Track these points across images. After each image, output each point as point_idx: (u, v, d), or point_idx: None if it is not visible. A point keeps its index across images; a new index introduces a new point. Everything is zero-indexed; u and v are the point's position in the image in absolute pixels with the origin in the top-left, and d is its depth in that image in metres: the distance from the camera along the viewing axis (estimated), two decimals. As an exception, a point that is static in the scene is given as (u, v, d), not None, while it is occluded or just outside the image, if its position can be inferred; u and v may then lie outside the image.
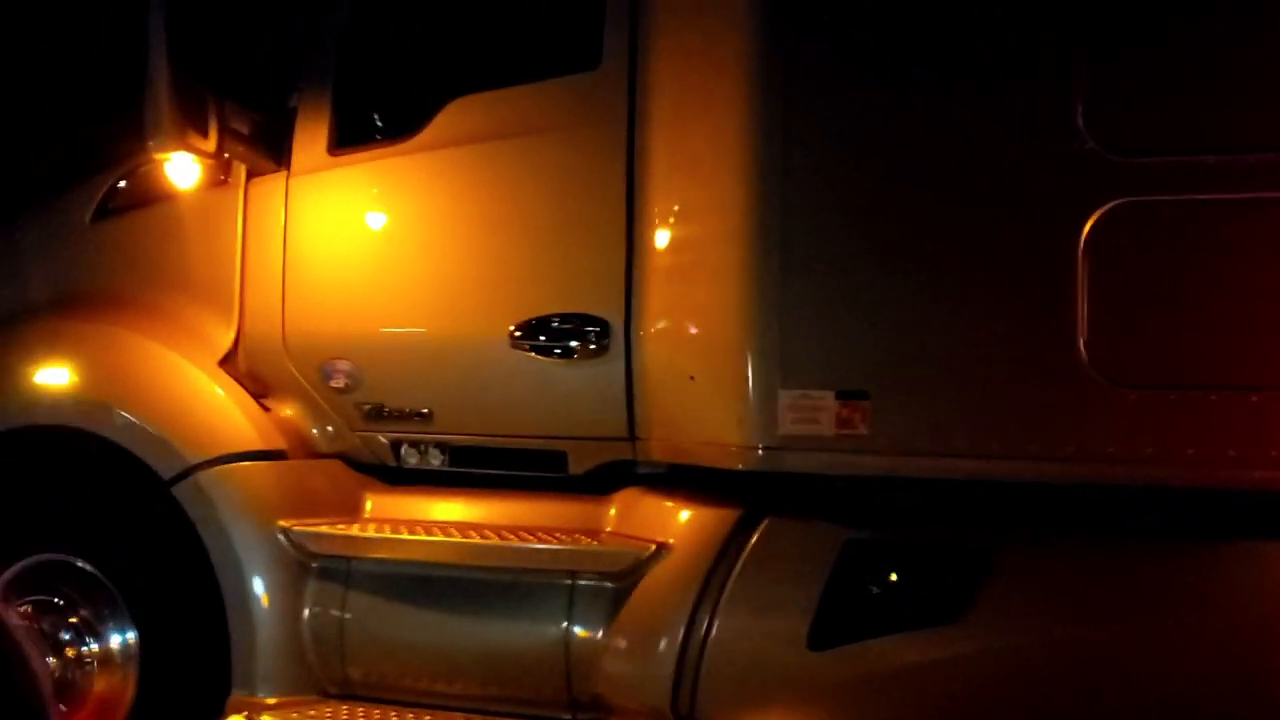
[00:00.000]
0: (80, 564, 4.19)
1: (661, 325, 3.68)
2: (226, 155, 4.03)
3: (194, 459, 4.04)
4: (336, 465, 4.21)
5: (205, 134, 3.88)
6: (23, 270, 4.77)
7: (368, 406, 4.15)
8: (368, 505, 4.13)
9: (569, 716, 3.68)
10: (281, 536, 3.94)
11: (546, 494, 4.01)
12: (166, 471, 4.05)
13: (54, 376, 4.21)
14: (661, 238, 3.68)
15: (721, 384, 3.52)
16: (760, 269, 3.43)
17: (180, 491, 4.03)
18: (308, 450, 4.22)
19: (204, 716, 4.13)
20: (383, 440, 4.18)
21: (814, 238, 3.38)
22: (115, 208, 4.61)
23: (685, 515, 3.64)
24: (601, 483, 3.98)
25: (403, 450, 4.19)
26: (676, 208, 3.65)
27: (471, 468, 4.11)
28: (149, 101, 3.80)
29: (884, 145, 3.34)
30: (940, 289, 3.27)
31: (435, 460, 4.15)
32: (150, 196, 4.52)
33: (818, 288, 3.38)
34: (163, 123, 3.77)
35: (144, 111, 3.81)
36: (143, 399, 4.14)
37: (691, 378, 3.59)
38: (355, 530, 3.95)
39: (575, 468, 3.96)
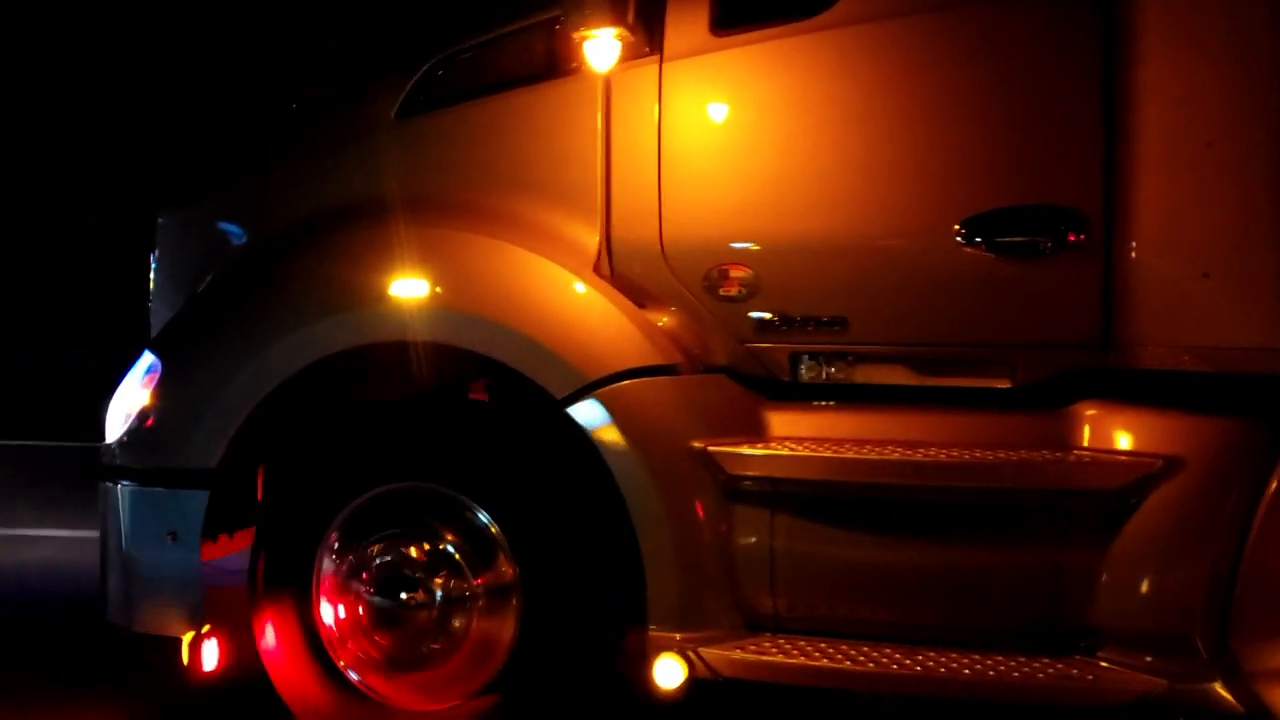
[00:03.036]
0: (447, 492, 3.83)
1: (1158, 217, 3.33)
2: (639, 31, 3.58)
3: (592, 376, 3.64)
4: (726, 380, 3.81)
5: (625, 9, 3.43)
6: (322, 173, 4.30)
7: (765, 316, 3.76)
8: (771, 422, 3.75)
9: (1047, 646, 3.39)
10: (698, 458, 3.58)
11: (978, 408, 3.65)
12: (560, 390, 3.66)
13: (415, 289, 3.77)
14: (1157, 119, 3.31)
15: (1251, 281, 3.18)
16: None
17: (578, 411, 3.64)
18: (692, 364, 3.84)
19: (593, 661, 3.83)
20: (779, 352, 3.81)
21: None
22: (426, 103, 4.13)
23: (1189, 428, 3.30)
24: (1035, 396, 3.64)
25: (802, 363, 3.82)
26: (1177, 86, 3.28)
27: (889, 381, 3.76)
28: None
29: None
30: None
31: (845, 373, 3.79)
32: (472, 90, 4.07)
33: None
34: None
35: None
36: (529, 312, 3.71)
37: (1205, 275, 3.25)
38: (786, 450, 3.58)
39: (1022, 378, 3.61)
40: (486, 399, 4.28)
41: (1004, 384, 3.64)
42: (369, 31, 4.64)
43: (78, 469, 10.39)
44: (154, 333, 4.54)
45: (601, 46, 3.54)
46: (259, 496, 4.27)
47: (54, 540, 7.22)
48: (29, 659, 5.09)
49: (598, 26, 3.45)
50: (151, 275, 4.64)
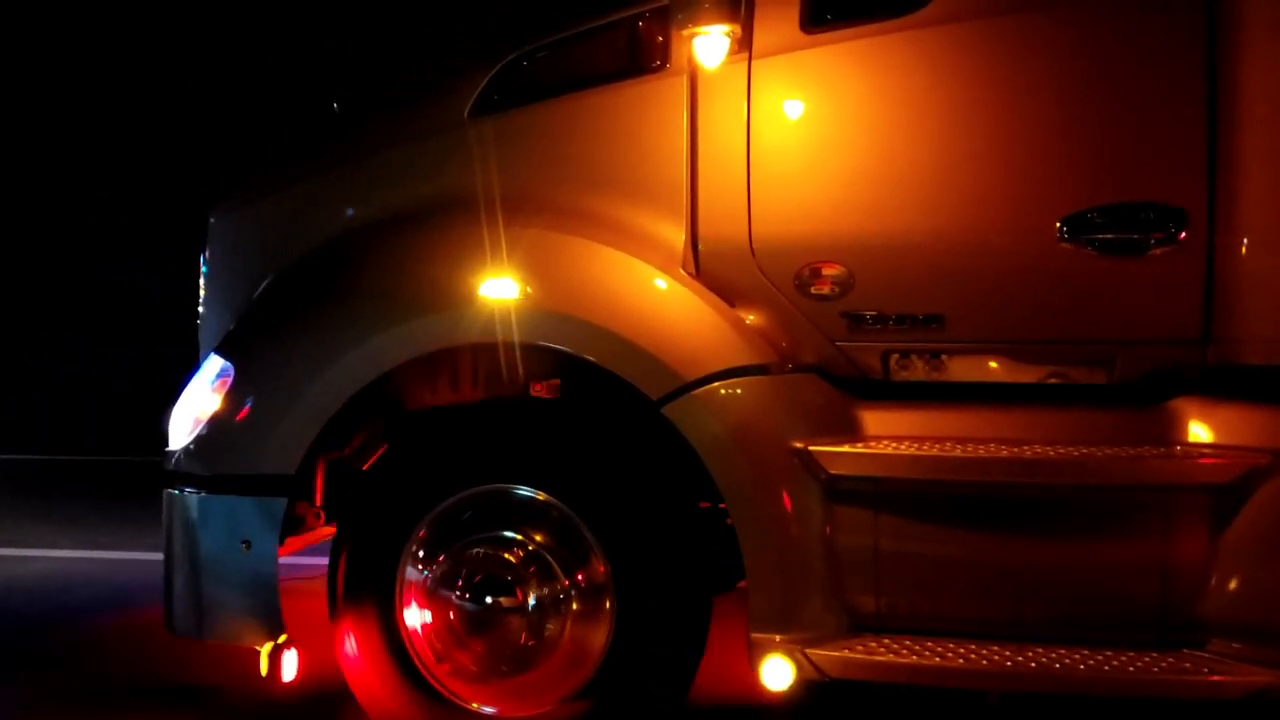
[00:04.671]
0: (536, 494, 3.77)
1: (1262, 213, 3.35)
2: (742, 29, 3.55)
3: (689, 376, 3.61)
4: (819, 379, 3.79)
5: (738, 5, 3.41)
6: (391, 173, 4.24)
7: (858, 314, 3.74)
8: (866, 422, 3.72)
9: (1154, 641, 3.40)
10: (799, 458, 3.55)
11: (1074, 405, 3.65)
12: (656, 390, 3.62)
13: (509, 289, 3.72)
14: (1262, 114, 3.33)
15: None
16: None
17: (674, 412, 3.60)
18: (783, 363, 3.80)
19: (687, 673, 3.78)
20: (872, 351, 3.80)
21: None
22: (502, 101, 4.08)
23: (1294, 421, 3.34)
24: (1130, 392, 3.65)
25: (894, 361, 3.81)
26: (1284, 81, 3.31)
27: (984, 378, 3.75)
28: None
29: None
30: None
31: (938, 371, 3.78)
32: (551, 88, 4.03)
33: None
34: None
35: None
36: (623, 312, 3.67)
37: (1312, 270, 3.28)
38: (890, 449, 3.56)
39: (1121, 374, 3.62)
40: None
41: (1101, 380, 3.65)
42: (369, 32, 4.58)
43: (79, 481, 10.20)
44: (203, 336, 4.46)
45: (709, 43, 3.50)
46: (317, 501, 4.22)
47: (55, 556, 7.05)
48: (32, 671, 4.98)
49: (709, 23, 3.42)
50: (202, 279, 4.54)
